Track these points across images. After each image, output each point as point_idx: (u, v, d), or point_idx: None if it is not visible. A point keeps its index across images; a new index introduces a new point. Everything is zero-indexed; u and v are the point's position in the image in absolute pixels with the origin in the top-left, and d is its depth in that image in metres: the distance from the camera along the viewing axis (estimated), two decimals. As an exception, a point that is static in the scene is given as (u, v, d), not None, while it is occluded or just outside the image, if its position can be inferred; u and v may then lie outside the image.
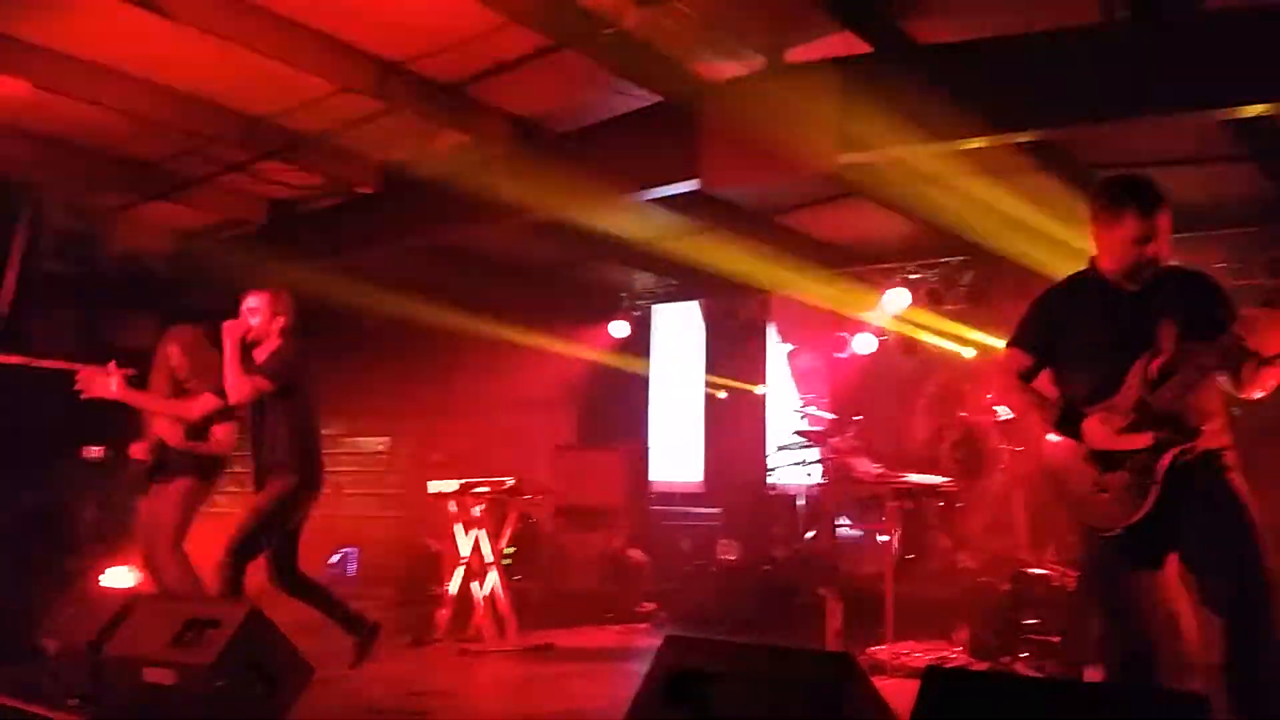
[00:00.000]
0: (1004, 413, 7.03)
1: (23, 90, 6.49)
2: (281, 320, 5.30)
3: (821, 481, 7.85)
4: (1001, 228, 7.28)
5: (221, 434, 5.80)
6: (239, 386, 5.12)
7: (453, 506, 6.92)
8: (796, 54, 5.97)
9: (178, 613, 4.12)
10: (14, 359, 6.08)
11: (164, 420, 5.68)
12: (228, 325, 5.17)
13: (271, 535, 5.13)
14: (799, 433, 8.34)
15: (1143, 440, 3.18)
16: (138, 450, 5.77)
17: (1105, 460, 3.26)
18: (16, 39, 6.08)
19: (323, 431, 5.43)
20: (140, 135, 7.31)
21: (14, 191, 8.01)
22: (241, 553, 4.96)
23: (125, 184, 8.18)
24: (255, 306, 5.27)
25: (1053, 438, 3.41)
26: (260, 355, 5.24)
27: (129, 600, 4.46)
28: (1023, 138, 5.84)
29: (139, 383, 5.63)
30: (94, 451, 7.59)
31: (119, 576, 6.53)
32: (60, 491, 7.50)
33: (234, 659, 3.86)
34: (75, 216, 8.58)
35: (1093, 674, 4.83)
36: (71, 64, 6.33)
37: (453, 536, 6.97)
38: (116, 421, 6.28)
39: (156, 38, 5.86)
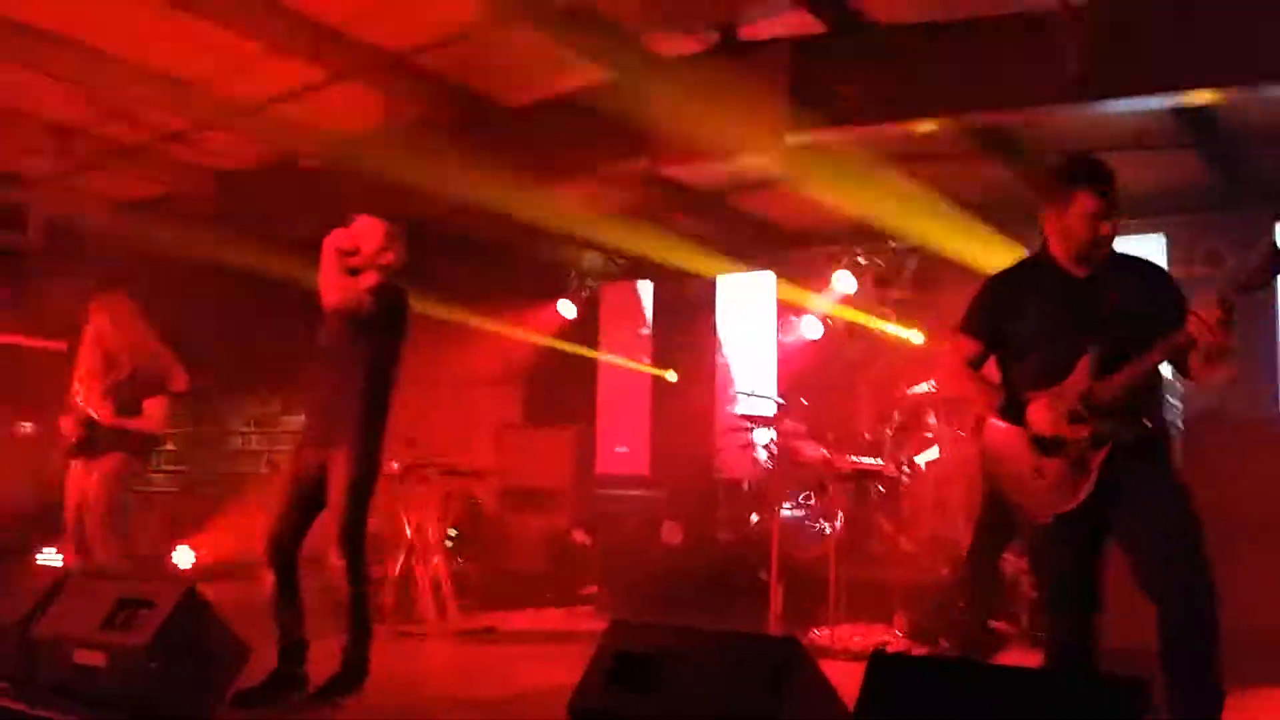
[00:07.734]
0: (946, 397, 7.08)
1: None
2: (389, 257, 4.56)
3: (767, 465, 7.85)
4: (943, 219, 7.32)
5: (154, 409, 5.67)
6: (343, 287, 4.37)
7: (393, 488, 6.78)
8: (750, 31, 5.93)
9: (109, 592, 4.02)
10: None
11: (93, 395, 5.53)
12: (332, 234, 4.45)
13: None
14: (744, 416, 8.34)
15: (1083, 431, 3.19)
16: (66, 425, 5.61)
17: (1045, 446, 3.27)
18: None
19: (270, 410, 5.25)
20: (70, 102, 7.08)
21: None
22: (352, 543, 4.28)
23: (56, 152, 7.93)
24: (367, 230, 4.53)
25: (996, 421, 3.42)
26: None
27: (59, 579, 4.33)
28: (973, 121, 5.86)
29: (67, 356, 5.47)
30: (23, 427, 7.40)
31: (51, 555, 6.37)
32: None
33: (168, 641, 3.77)
34: (2, 185, 8.32)
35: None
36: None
37: (394, 518, 6.86)
38: (46, 396, 6.11)
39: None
